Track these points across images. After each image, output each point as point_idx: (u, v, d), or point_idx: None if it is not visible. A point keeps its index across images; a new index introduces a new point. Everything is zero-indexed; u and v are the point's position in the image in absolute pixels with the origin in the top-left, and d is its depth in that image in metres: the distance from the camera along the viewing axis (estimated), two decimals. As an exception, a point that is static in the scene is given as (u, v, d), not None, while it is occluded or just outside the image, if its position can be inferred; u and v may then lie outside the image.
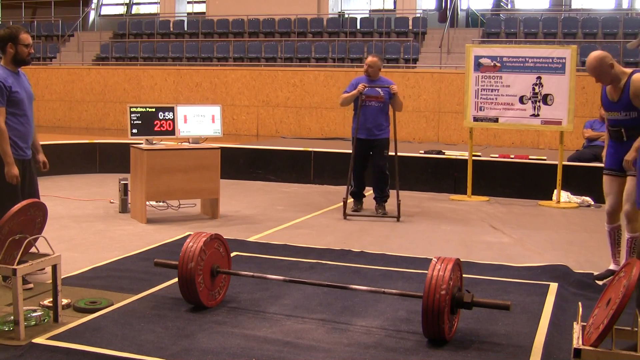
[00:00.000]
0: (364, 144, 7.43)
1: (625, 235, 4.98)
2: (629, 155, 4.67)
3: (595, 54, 4.80)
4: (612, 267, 5.12)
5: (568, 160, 9.00)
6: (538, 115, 8.39)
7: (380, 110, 7.39)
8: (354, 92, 7.29)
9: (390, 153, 7.47)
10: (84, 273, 4.91)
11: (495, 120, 8.59)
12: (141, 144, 6.99)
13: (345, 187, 7.51)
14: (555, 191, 8.49)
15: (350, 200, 7.63)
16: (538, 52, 8.48)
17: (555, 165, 8.52)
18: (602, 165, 5.25)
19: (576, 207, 8.31)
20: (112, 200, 7.95)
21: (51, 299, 3.92)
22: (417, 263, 5.35)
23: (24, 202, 3.79)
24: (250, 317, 4.02)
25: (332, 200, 8.36)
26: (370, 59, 7.50)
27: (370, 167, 7.59)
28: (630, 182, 4.79)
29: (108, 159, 10.62)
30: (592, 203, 8.32)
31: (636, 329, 2.88)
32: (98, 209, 7.60)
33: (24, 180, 4.64)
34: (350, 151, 7.43)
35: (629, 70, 4.85)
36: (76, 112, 15.37)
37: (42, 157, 5.01)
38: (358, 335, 3.78)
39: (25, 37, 4.63)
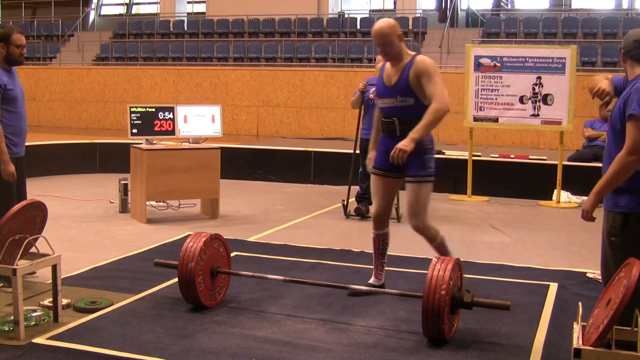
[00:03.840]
0: None
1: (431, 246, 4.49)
2: (406, 146, 4.04)
3: (386, 19, 4.33)
4: None
5: (568, 160, 8.99)
6: (538, 115, 8.39)
7: None
8: (357, 92, 7.19)
9: None
10: (84, 273, 4.91)
11: (495, 120, 8.59)
12: (141, 144, 6.99)
13: (347, 187, 7.49)
14: (555, 191, 8.49)
15: (352, 200, 7.51)
16: (538, 52, 8.48)
17: (555, 165, 8.52)
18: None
19: (576, 207, 8.30)
20: (112, 200, 7.95)
21: (51, 299, 3.92)
22: (417, 263, 5.36)
23: (24, 202, 3.80)
24: (250, 317, 4.02)
25: (332, 200, 8.35)
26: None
27: None
28: (411, 192, 4.27)
29: (108, 159, 10.61)
30: (592, 203, 8.30)
31: (636, 329, 2.87)
32: (98, 209, 7.60)
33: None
34: (350, 151, 7.35)
35: (413, 52, 4.41)
36: (76, 112, 15.36)
37: None
38: (358, 335, 3.78)
39: (18, 38, 4.58)
